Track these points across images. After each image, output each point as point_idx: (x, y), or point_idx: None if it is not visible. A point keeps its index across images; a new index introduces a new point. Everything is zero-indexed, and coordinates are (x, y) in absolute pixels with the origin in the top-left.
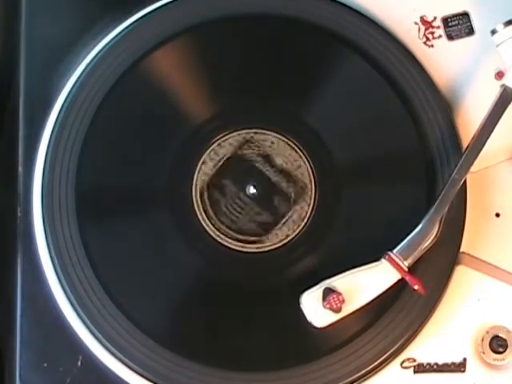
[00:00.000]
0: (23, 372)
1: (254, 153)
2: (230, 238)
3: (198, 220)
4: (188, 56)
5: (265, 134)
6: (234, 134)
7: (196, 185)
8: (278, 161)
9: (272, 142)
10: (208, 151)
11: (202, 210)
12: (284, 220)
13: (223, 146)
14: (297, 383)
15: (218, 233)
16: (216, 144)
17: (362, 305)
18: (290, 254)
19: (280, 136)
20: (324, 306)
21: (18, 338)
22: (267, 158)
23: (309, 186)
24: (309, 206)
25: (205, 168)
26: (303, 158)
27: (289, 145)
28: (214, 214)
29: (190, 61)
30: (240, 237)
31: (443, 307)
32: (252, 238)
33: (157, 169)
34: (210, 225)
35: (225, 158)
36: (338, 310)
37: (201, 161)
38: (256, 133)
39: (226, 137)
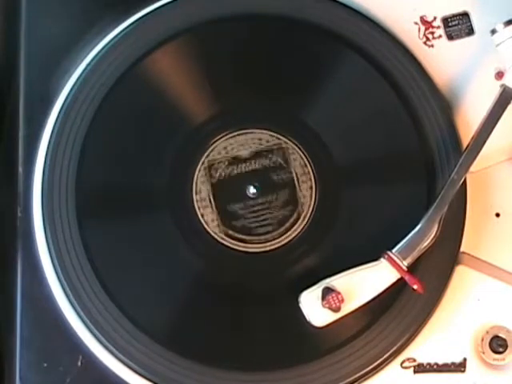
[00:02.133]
0: (23, 372)
1: (223, 168)
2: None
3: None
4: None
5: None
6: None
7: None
8: (244, 153)
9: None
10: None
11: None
12: (298, 186)
13: (202, 182)
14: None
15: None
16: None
17: (361, 304)
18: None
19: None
20: (323, 306)
21: (18, 338)
22: (236, 159)
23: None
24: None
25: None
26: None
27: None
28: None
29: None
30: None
31: (443, 307)
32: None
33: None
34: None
35: (211, 193)
36: (337, 310)
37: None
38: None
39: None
